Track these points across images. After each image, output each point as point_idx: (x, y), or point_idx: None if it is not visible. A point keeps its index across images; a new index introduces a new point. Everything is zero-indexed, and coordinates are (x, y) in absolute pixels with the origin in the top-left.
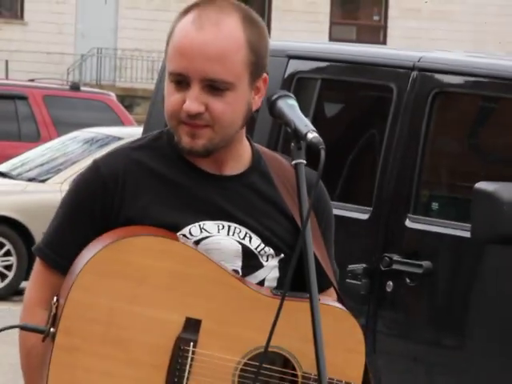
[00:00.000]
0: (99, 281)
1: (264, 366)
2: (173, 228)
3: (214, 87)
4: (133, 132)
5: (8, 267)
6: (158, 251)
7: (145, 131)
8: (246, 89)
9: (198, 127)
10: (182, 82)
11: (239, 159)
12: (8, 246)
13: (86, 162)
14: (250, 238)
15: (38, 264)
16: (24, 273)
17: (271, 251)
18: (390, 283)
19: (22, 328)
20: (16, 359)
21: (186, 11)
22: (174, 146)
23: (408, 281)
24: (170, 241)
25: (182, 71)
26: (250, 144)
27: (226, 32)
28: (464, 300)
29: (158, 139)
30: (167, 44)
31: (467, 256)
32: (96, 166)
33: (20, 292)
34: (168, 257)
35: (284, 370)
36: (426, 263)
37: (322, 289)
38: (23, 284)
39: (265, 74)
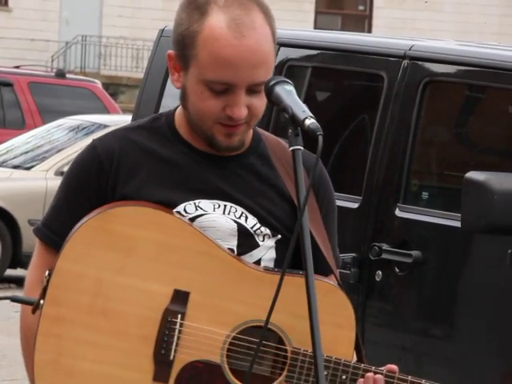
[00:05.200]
0: (86, 251)
1: (253, 340)
2: (167, 206)
3: (255, 89)
4: (118, 120)
5: None
6: (146, 222)
7: (134, 120)
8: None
9: (237, 127)
10: (223, 90)
11: None
12: None
13: (72, 150)
14: (246, 217)
15: (37, 245)
16: (9, 260)
17: (267, 231)
18: (380, 272)
19: (12, 300)
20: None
21: (204, 11)
22: (172, 127)
23: (397, 270)
24: (158, 212)
25: (227, 81)
26: None
27: (262, 33)
28: (453, 290)
29: (156, 120)
30: (189, 46)
31: (457, 246)
32: (93, 146)
33: (4, 280)
34: (156, 228)
35: (274, 344)
36: (415, 253)
37: (323, 275)
38: (8, 272)
39: None
